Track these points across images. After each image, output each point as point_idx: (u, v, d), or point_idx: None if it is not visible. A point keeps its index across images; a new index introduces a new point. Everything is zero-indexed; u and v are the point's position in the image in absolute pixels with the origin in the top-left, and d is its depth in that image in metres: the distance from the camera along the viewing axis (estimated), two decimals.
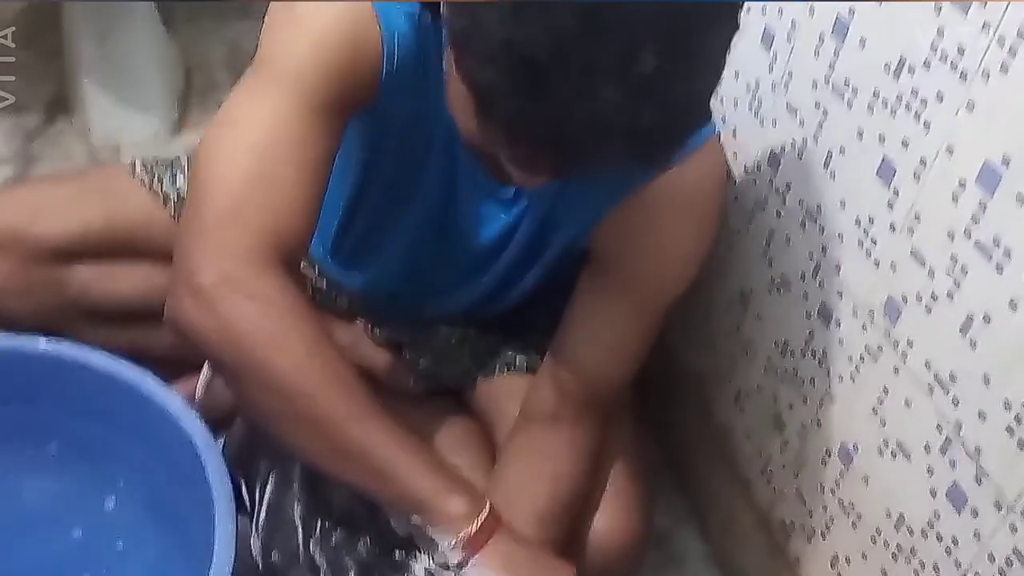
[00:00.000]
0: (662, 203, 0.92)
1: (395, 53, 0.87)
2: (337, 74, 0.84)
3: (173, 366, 1.23)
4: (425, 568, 0.87)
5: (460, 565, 0.83)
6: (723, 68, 0.70)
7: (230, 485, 0.99)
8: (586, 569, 1.05)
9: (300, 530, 0.98)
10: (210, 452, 1.01)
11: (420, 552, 0.87)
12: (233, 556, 0.93)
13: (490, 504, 0.85)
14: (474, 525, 0.82)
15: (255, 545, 0.99)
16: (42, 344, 1.09)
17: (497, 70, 0.66)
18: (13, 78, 1.62)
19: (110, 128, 1.69)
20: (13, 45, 1.63)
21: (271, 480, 1.02)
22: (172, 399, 1.07)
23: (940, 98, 0.78)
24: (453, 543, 0.82)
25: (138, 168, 1.18)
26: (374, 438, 0.81)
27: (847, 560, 0.99)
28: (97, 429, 1.11)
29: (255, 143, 0.82)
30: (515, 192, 0.98)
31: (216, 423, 1.11)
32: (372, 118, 0.95)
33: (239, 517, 0.99)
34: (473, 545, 0.82)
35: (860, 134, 0.87)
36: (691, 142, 0.90)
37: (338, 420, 0.81)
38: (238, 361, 0.80)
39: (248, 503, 1.02)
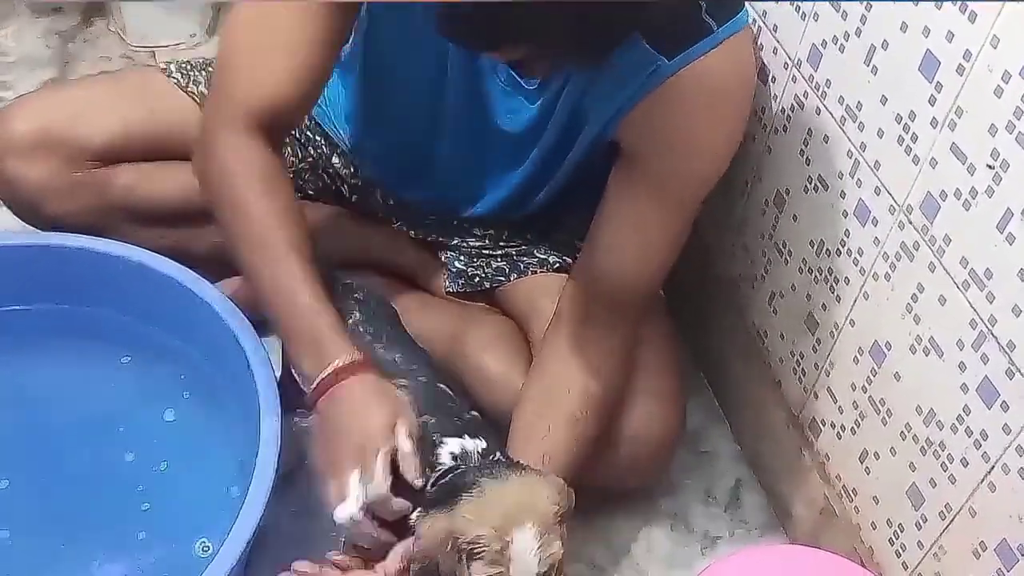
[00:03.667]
0: (688, 96, 0.91)
1: None
2: None
3: (216, 266, 1.26)
4: (451, 452, 0.91)
5: (311, 410, 0.92)
6: None
7: (275, 382, 1.02)
8: (623, 462, 1.08)
9: None
10: (254, 348, 1.05)
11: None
12: (278, 448, 0.97)
13: (354, 357, 0.90)
14: (323, 372, 0.90)
15: None
16: (85, 241, 1.13)
17: None
18: (13, 77, 1.64)
19: (146, 30, 1.70)
20: (13, 44, 1.65)
21: None
22: (217, 297, 1.10)
23: None
24: (309, 392, 0.91)
25: (173, 71, 1.19)
26: (274, 287, 0.94)
27: (876, 455, 1.00)
28: (139, 324, 1.15)
29: (251, 19, 0.95)
30: (540, 83, 0.98)
31: (257, 323, 1.14)
32: (384, 26, 0.97)
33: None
34: (319, 390, 0.90)
35: (904, 27, 0.86)
36: (720, 33, 0.89)
37: (255, 263, 0.95)
38: (208, 199, 0.99)
39: None
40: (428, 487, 0.88)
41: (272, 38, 0.94)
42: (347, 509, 0.87)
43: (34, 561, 1.01)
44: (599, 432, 1.02)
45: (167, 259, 1.12)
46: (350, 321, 1.02)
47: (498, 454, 0.93)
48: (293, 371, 0.97)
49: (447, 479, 0.89)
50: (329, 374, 0.90)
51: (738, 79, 0.95)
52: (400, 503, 0.88)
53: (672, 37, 0.90)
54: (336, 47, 0.98)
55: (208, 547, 1.01)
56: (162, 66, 1.21)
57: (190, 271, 1.12)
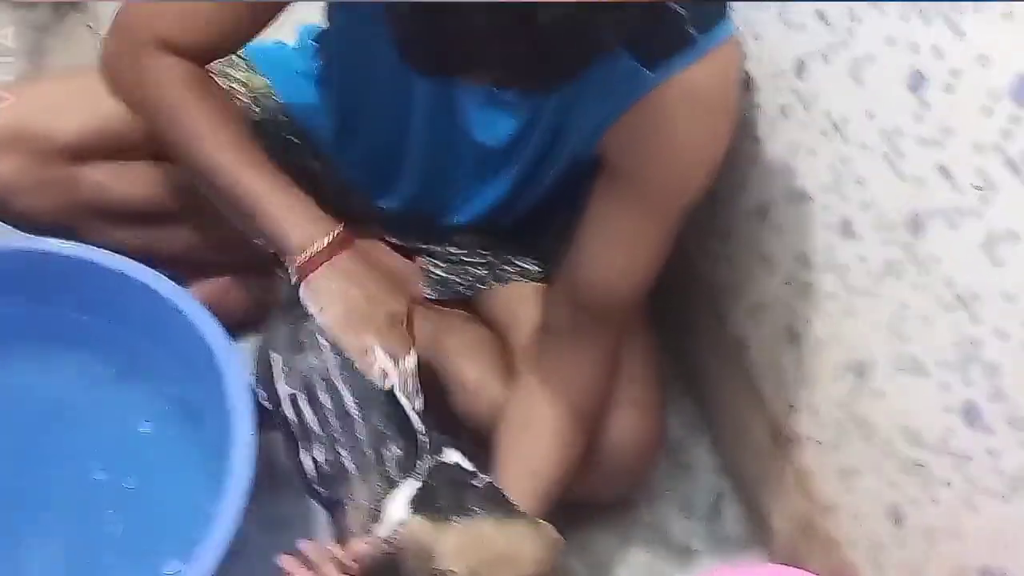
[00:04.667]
0: (671, 107, 0.90)
1: None
2: None
3: (188, 267, 1.24)
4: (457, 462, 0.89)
5: (296, 288, 0.94)
6: None
7: (248, 388, 1.00)
8: (603, 473, 1.06)
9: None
10: (226, 354, 1.02)
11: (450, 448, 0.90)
12: (253, 455, 0.95)
13: (337, 232, 0.94)
14: (310, 250, 0.93)
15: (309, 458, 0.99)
16: (55, 244, 1.10)
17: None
18: (13, 78, 1.59)
19: None
20: (13, 45, 1.61)
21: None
22: (187, 301, 1.07)
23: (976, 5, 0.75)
24: (291, 269, 0.93)
25: None
26: (239, 170, 0.95)
27: (858, 473, 0.99)
28: (108, 327, 1.12)
29: None
30: (521, 94, 0.96)
31: (232, 327, 1.12)
32: (348, 37, 0.96)
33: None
34: (306, 268, 0.93)
35: (891, 41, 0.84)
36: (703, 43, 0.88)
37: (209, 158, 0.95)
38: (142, 114, 1.01)
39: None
40: (429, 468, 0.88)
41: None
42: (391, 379, 0.92)
43: None
44: (585, 444, 1.01)
45: (143, 265, 1.09)
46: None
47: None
48: (274, 252, 0.97)
49: (448, 471, 0.88)
50: (322, 248, 0.93)
51: (722, 90, 0.93)
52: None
53: (654, 49, 0.88)
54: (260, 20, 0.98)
55: (178, 568, 0.98)
56: None
57: (168, 279, 1.09)
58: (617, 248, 0.98)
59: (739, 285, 1.17)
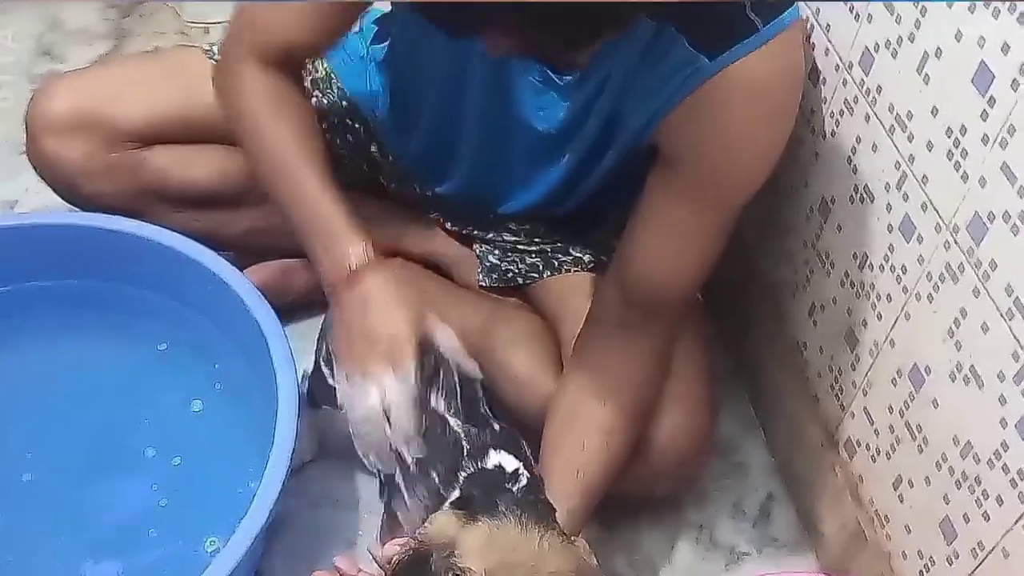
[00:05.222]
0: (730, 97, 0.87)
1: None
2: None
3: (247, 251, 1.26)
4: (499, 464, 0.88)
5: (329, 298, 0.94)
6: None
7: (293, 370, 1.02)
8: (650, 471, 1.04)
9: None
10: (276, 337, 1.04)
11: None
12: (293, 436, 0.96)
13: (368, 251, 0.91)
14: (340, 267, 0.91)
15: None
16: (116, 222, 1.13)
17: None
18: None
19: (201, 7, 1.69)
20: (14, 45, 1.65)
21: None
22: (243, 284, 1.09)
23: None
24: (328, 289, 0.93)
25: (215, 52, 1.18)
26: (294, 185, 0.95)
27: (910, 483, 0.95)
28: (167, 305, 1.15)
29: None
30: (579, 79, 0.94)
31: (284, 308, 1.14)
32: (407, 19, 0.95)
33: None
34: (338, 285, 0.91)
35: (958, 35, 0.80)
36: (766, 31, 0.84)
37: (272, 177, 0.97)
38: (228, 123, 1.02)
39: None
40: (465, 477, 0.87)
41: None
42: (371, 400, 0.87)
43: (32, 549, 1.01)
44: (633, 441, 0.99)
45: (201, 245, 1.12)
46: None
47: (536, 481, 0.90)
48: (319, 273, 0.96)
49: (486, 475, 0.87)
50: (346, 269, 0.91)
51: (783, 80, 0.90)
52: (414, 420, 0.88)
53: (714, 36, 0.86)
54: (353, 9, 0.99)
55: (216, 544, 1.00)
56: (205, 47, 1.20)
57: (224, 260, 1.11)
58: (669, 241, 0.95)
59: (799, 285, 1.13)
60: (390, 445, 0.89)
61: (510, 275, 1.20)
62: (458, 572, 0.77)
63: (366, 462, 0.91)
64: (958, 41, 0.81)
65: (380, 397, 0.87)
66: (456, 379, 0.93)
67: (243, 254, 1.24)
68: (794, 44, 0.90)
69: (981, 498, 0.84)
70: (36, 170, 1.16)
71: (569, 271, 1.17)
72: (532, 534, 0.79)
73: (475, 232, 1.22)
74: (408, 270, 0.93)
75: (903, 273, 0.93)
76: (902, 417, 0.95)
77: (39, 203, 1.39)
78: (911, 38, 0.87)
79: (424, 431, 0.89)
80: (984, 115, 0.78)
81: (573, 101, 0.97)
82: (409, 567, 0.81)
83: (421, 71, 1.06)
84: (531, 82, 0.97)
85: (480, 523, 0.79)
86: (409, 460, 0.89)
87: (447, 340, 0.91)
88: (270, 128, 0.97)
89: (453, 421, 0.91)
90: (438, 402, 0.91)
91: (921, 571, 0.95)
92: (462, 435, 0.91)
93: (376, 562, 0.90)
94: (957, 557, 0.89)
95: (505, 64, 0.96)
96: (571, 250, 1.17)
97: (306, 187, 0.94)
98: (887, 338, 0.97)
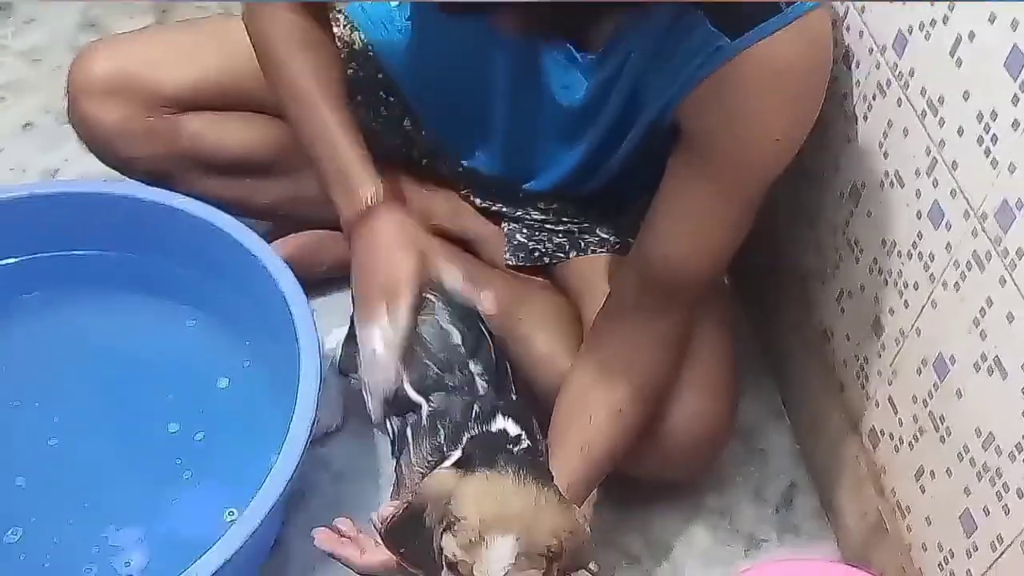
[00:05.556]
0: (752, 78, 0.85)
1: None
2: None
3: (278, 219, 1.27)
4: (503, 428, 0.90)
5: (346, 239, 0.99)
6: None
7: (317, 346, 1.02)
8: (666, 454, 1.04)
9: None
10: (301, 310, 1.04)
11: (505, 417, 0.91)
12: (315, 406, 0.97)
13: (379, 193, 0.96)
14: (353, 209, 0.97)
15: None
16: (148, 191, 1.14)
17: None
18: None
19: None
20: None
21: None
22: (268, 255, 1.10)
23: None
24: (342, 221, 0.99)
25: None
26: (313, 124, 1.01)
27: (932, 474, 0.94)
28: (197, 277, 1.16)
29: None
30: (600, 58, 0.94)
31: (315, 281, 1.15)
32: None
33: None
34: (351, 226, 0.98)
35: (992, 18, 0.78)
36: (790, 12, 0.83)
37: (294, 113, 1.03)
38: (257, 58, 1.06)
39: None
40: (469, 438, 0.89)
41: None
42: (373, 340, 0.92)
43: (54, 513, 1.03)
44: (642, 423, 0.99)
45: (231, 216, 1.13)
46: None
47: (542, 448, 0.92)
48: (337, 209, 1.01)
49: (488, 438, 0.88)
50: (359, 211, 0.97)
51: (807, 61, 0.88)
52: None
53: (737, 16, 0.84)
54: None
55: (235, 515, 1.01)
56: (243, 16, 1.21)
57: (252, 231, 1.12)
58: (688, 224, 0.94)
59: (827, 270, 1.12)
60: (394, 393, 0.93)
61: (536, 254, 1.20)
62: (452, 520, 0.77)
63: (369, 409, 0.94)
64: (991, 24, 0.79)
65: (378, 338, 0.91)
66: (489, 341, 0.97)
67: (274, 224, 1.25)
68: (820, 26, 0.88)
69: (1002, 491, 0.83)
70: (75, 131, 1.18)
71: (595, 252, 1.16)
72: (530, 488, 0.80)
73: (504, 210, 1.22)
74: (410, 221, 0.98)
75: (930, 261, 0.91)
76: (926, 407, 0.94)
77: (79, 171, 1.42)
78: (945, 20, 0.85)
79: (433, 379, 0.93)
80: (1016, 100, 0.77)
81: (595, 79, 0.96)
82: (403, 522, 0.82)
83: (451, 45, 1.05)
84: (556, 59, 0.96)
85: (478, 474, 0.80)
86: (424, 406, 0.92)
87: (452, 280, 0.95)
88: (293, 62, 1.02)
89: (479, 380, 0.93)
90: (466, 361, 0.94)
91: (940, 563, 0.93)
92: (480, 390, 0.93)
93: (373, 525, 0.91)
94: (976, 550, 0.87)
95: (531, 41, 0.95)
96: (598, 231, 1.17)
97: (325, 125, 0.99)
98: (913, 327, 0.95)
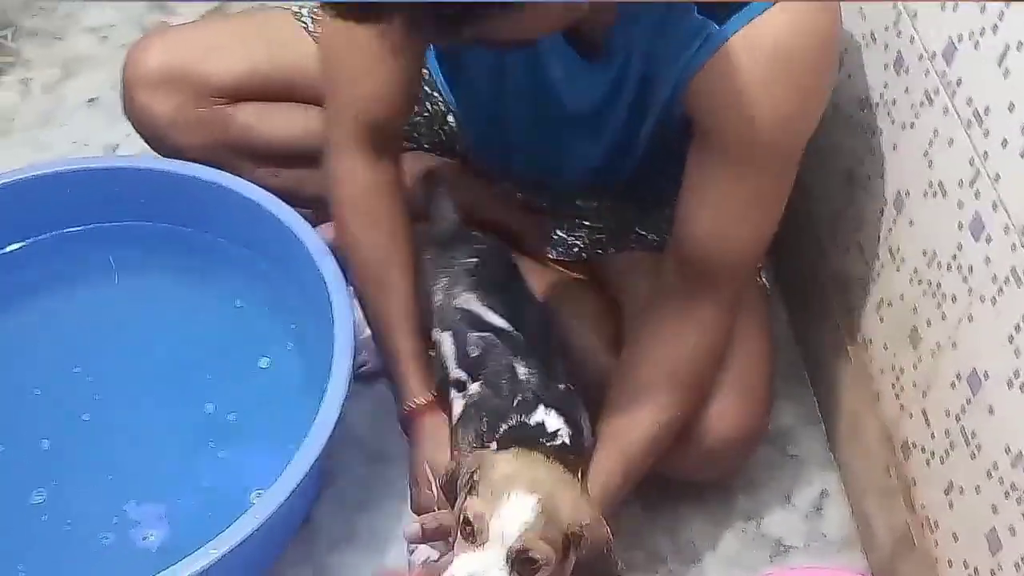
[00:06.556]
0: (745, 60, 0.86)
1: None
2: None
3: (324, 207, 1.29)
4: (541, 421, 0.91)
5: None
6: None
7: (352, 329, 1.04)
8: (697, 455, 1.04)
9: None
10: (340, 295, 1.06)
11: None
12: (346, 386, 0.99)
13: (423, 401, 1.01)
14: (402, 407, 1.02)
15: None
16: (202, 172, 1.17)
17: None
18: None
19: None
20: (14, 45, 1.68)
21: None
22: (313, 239, 1.12)
23: None
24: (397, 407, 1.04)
25: (304, 14, 1.21)
26: (379, 320, 1.05)
27: (961, 490, 0.93)
28: (245, 256, 1.18)
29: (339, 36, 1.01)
30: (603, 59, 0.95)
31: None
32: None
33: None
34: (403, 417, 1.03)
35: None
36: None
37: (362, 293, 1.07)
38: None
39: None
40: (506, 428, 0.91)
41: (362, 56, 0.99)
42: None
43: (77, 485, 1.06)
44: (686, 418, 1.00)
45: (279, 199, 1.16)
46: (466, 266, 1.06)
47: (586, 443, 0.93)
48: None
49: (523, 430, 0.90)
50: (406, 412, 1.02)
51: (804, 41, 0.88)
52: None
53: (722, 2, 0.85)
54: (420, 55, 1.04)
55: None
56: (295, 9, 1.23)
57: (298, 214, 1.15)
58: (717, 207, 0.95)
59: (868, 277, 1.10)
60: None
61: (576, 249, 1.20)
62: (476, 482, 0.80)
63: None
64: None
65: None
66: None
67: (320, 209, 1.27)
68: (818, 6, 0.88)
69: None
70: (130, 122, 1.22)
71: (634, 248, 1.17)
72: (558, 470, 0.81)
73: (544, 205, 1.22)
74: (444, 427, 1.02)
75: (969, 273, 0.90)
76: (958, 422, 0.93)
77: (140, 147, 1.45)
78: (994, 29, 0.83)
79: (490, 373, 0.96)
80: None
81: (603, 83, 0.97)
82: (448, 483, 0.86)
83: (470, 61, 1.08)
84: (562, 64, 0.98)
85: (513, 449, 0.84)
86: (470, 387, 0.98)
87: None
88: (362, 247, 1.05)
89: (522, 369, 0.95)
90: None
91: None
92: (525, 380, 0.94)
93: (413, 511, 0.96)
94: (1000, 569, 0.86)
95: (538, 55, 0.97)
96: (637, 228, 1.17)
97: (389, 326, 1.04)
98: (950, 339, 0.94)
